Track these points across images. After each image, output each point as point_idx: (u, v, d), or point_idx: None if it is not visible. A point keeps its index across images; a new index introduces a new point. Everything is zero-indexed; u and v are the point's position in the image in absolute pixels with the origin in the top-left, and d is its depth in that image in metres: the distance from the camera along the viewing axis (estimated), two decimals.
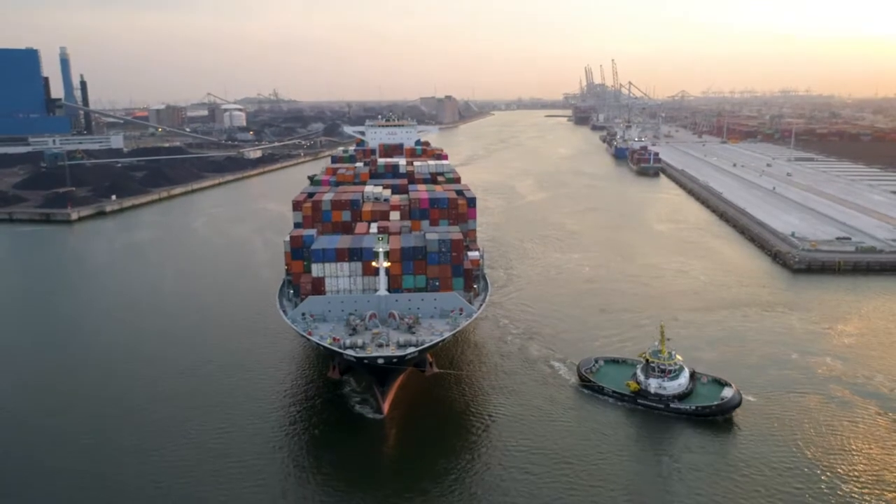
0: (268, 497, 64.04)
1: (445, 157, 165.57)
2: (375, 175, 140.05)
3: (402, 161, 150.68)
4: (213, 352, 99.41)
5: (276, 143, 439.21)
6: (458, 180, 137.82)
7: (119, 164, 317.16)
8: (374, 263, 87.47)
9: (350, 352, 76.91)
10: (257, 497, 63.98)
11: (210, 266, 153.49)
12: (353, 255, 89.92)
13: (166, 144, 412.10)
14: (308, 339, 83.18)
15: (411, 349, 77.44)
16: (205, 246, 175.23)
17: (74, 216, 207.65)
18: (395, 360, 75.91)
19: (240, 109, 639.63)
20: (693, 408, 78.40)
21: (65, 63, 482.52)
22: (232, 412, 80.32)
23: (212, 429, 76.52)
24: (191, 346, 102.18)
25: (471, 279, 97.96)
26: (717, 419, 76.82)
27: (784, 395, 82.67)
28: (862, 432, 73.73)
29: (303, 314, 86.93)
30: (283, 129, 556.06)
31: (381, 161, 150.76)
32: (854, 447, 70.63)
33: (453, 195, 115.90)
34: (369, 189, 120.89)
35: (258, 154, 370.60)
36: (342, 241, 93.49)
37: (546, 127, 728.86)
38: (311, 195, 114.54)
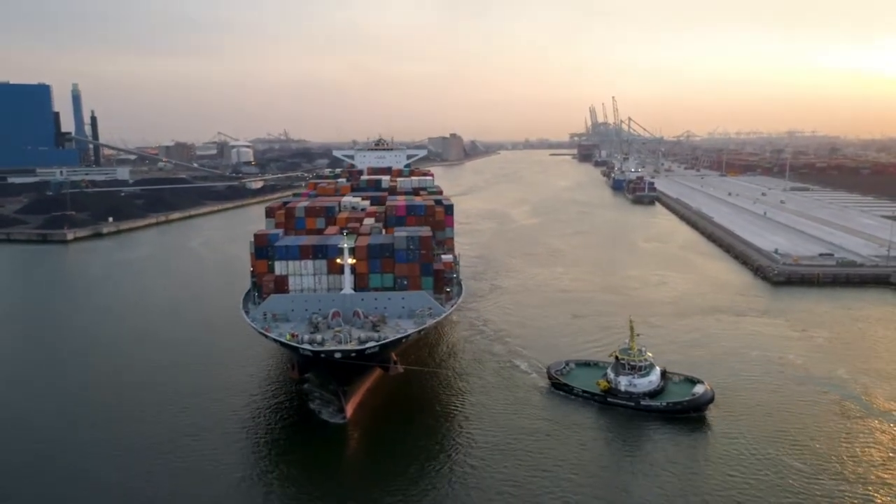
0: None
1: (431, 176, 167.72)
2: (357, 189, 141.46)
3: (385, 177, 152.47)
4: (180, 356, 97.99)
5: (280, 175, 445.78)
6: (440, 194, 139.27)
7: (123, 193, 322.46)
8: (338, 260, 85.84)
9: (307, 346, 74.25)
10: None
11: (198, 279, 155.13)
12: (318, 252, 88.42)
13: (172, 177, 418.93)
14: (265, 337, 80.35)
15: (371, 344, 75.05)
16: (196, 262, 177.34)
17: (70, 236, 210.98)
18: (353, 354, 73.22)
19: (247, 146, 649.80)
20: (664, 404, 77.09)
21: (76, 99, 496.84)
22: (182, 422, 76.11)
23: (161, 438, 72.52)
24: (163, 348, 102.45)
25: (442, 280, 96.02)
26: (688, 416, 75.36)
27: (755, 391, 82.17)
28: (826, 422, 73.48)
29: (264, 314, 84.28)
30: (288, 164, 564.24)
31: (364, 177, 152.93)
32: (820, 437, 69.91)
33: (431, 203, 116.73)
34: (347, 199, 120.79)
35: (260, 185, 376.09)
36: (308, 240, 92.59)
37: (549, 164, 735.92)
38: (286, 203, 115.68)
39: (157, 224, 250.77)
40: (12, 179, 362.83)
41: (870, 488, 60.06)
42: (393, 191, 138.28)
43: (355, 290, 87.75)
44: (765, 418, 74.42)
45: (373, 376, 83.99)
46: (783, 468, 63.46)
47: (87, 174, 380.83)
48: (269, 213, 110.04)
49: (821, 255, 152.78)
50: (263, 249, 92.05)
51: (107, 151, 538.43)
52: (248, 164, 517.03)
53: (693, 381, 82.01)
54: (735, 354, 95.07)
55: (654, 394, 79.33)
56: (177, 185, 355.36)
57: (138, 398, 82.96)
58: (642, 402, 78.12)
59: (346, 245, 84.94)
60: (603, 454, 69.11)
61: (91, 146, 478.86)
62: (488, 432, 72.96)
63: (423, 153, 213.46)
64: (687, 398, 77.51)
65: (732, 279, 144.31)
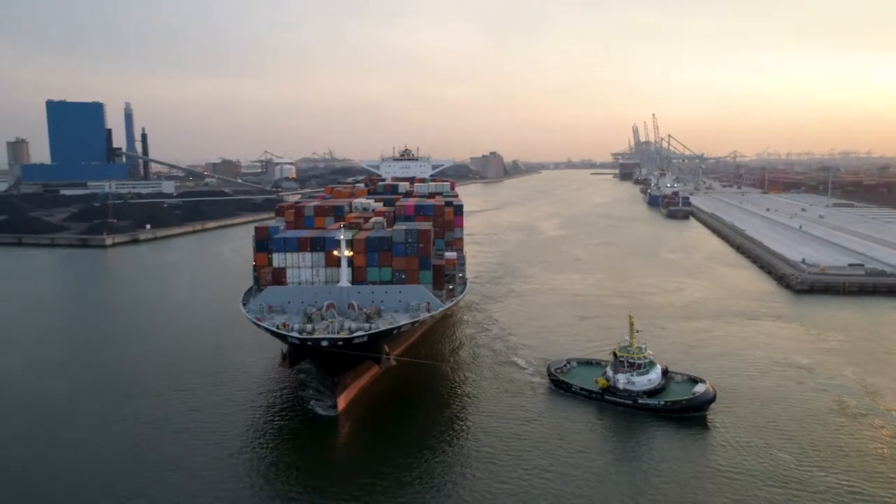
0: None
1: (449, 182, 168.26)
2: (374, 193, 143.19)
3: (404, 183, 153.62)
4: (184, 350, 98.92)
5: (318, 189, 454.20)
6: (455, 197, 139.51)
7: (165, 205, 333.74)
8: (335, 252, 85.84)
9: (294, 334, 73.64)
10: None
11: (221, 279, 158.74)
12: (316, 244, 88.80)
13: (214, 190, 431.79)
14: (258, 326, 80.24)
15: (359, 333, 74.18)
16: (222, 265, 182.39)
17: (109, 242, 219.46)
18: (339, 343, 71.95)
19: (290, 163, 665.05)
20: (662, 403, 74.59)
21: (128, 117, 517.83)
22: (172, 417, 74.53)
23: (148, 425, 72.04)
24: (169, 343, 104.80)
25: (442, 276, 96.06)
26: (688, 416, 72.29)
27: (759, 391, 79.29)
28: (828, 422, 70.52)
29: (261, 305, 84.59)
30: (328, 179, 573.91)
31: (382, 182, 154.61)
32: (820, 436, 66.92)
33: (441, 203, 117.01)
34: (359, 201, 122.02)
35: (297, 197, 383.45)
36: (306, 232, 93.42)
37: (589, 182, 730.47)
38: (297, 202, 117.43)
39: (194, 232, 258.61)
40: (64, 192, 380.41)
41: (870, 487, 57.20)
42: (409, 195, 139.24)
43: (353, 283, 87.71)
44: (767, 418, 71.45)
45: (370, 371, 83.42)
46: (781, 469, 60.47)
47: (133, 187, 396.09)
48: (279, 211, 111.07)
49: (850, 265, 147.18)
50: (263, 242, 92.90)
51: (158, 168, 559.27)
52: (288, 179, 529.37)
53: (696, 381, 79.33)
54: (742, 356, 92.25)
55: (653, 392, 76.74)
56: (217, 197, 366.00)
57: (138, 389, 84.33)
58: (640, 401, 75.75)
59: (342, 237, 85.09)
60: (592, 452, 65.85)
61: (141, 162, 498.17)
62: (482, 429, 70.74)
63: (448, 164, 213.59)
64: (686, 397, 75.03)
65: (753, 287, 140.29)
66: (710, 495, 56.43)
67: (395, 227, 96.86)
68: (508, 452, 65.08)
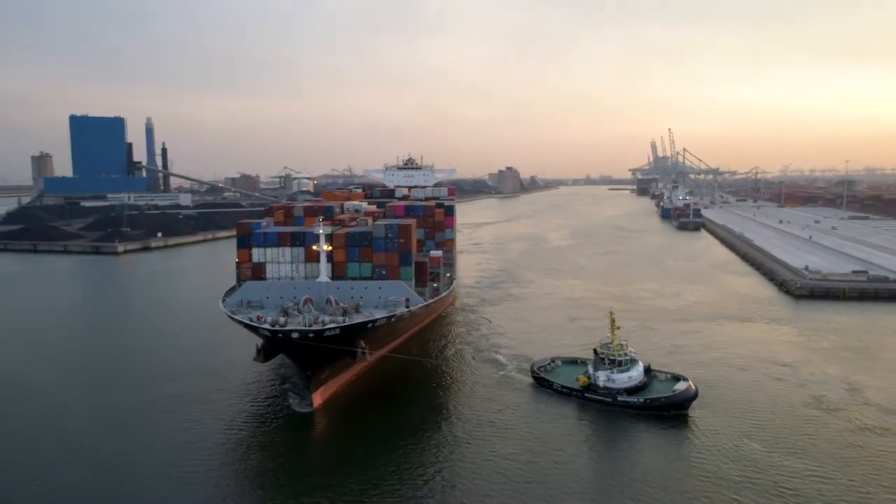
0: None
1: (446, 189, 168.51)
2: (370, 197, 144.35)
3: (403, 189, 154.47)
4: (171, 349, 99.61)
5: None
6: (451, 201, 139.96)
7: (180, 216, 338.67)
8: (314, 247, 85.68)
9: (266, 326, 72.67)
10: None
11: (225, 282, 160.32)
12: (296, 239, 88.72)
13: (230, 202, 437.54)
14: (232, 320, 79.43)
15: (331, 325, 73.43)
16: (229, 270, 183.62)
17: (121, 249, 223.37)
18: (310, 335, 71.29)
19: (308, 178, 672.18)
20: (642, 401, 73.23)
21: (149, 132, 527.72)
22: (148, 405, 75.27)
23: (115, 418, 72.18)
24: (160, 341, 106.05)
25: (425, 273, 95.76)
26: (669, 414, 70.68)
27: (744, 389, 77.67)
28: (811, 420, 68.66)
29: (240, 300, 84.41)
30: None
31: (379, 188, 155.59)
32: (803, 435, 65.02)
33: (431, 204, 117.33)
34: (351, 203, 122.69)
35: None
36: (288, 228, 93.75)
37: (605, 197, 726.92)
38: (287, 204, 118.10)
39: (205, 241, 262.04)
40: (84, 203, 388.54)
41: (857, 484, 55.55)
42: (404, 199, 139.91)
43: (332, 278, 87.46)
44: (748, 415, 69.95)
45: (351, 369, 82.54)
46: (756, 465, 58.78)
47: (151, 199, 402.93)
48: (268, 212, 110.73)
49: (854, 271, 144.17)
50: (245, 238, 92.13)
51: (180, 183, 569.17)
52: (303, 192, 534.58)
53: (679, 379, 77.86)
54: (729, 355, 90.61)
55: (635, 390, 75.35)
56: (230, 208, 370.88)
57: (122, 382, 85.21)
58: (620, 398, 74.53)
59: (321, 231, 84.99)
60: (566, 451, 63.73)
61: (161, 176, 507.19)
62: (458, 428, 69.17)
63: (452, 173, 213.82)
64: (666, 395, 73.60)
65: (752, 292, 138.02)
66: (683, 493, 54.79)
67: (377, 222, 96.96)
68: (482, 450, 63.70)
